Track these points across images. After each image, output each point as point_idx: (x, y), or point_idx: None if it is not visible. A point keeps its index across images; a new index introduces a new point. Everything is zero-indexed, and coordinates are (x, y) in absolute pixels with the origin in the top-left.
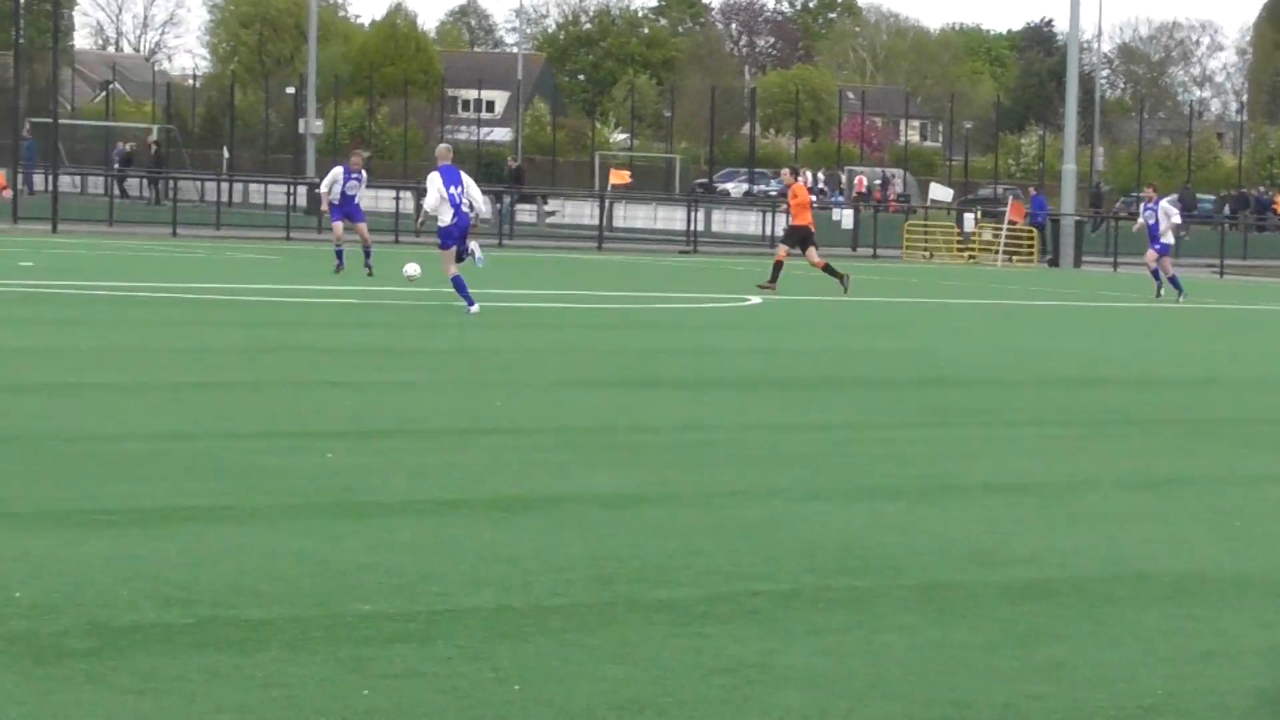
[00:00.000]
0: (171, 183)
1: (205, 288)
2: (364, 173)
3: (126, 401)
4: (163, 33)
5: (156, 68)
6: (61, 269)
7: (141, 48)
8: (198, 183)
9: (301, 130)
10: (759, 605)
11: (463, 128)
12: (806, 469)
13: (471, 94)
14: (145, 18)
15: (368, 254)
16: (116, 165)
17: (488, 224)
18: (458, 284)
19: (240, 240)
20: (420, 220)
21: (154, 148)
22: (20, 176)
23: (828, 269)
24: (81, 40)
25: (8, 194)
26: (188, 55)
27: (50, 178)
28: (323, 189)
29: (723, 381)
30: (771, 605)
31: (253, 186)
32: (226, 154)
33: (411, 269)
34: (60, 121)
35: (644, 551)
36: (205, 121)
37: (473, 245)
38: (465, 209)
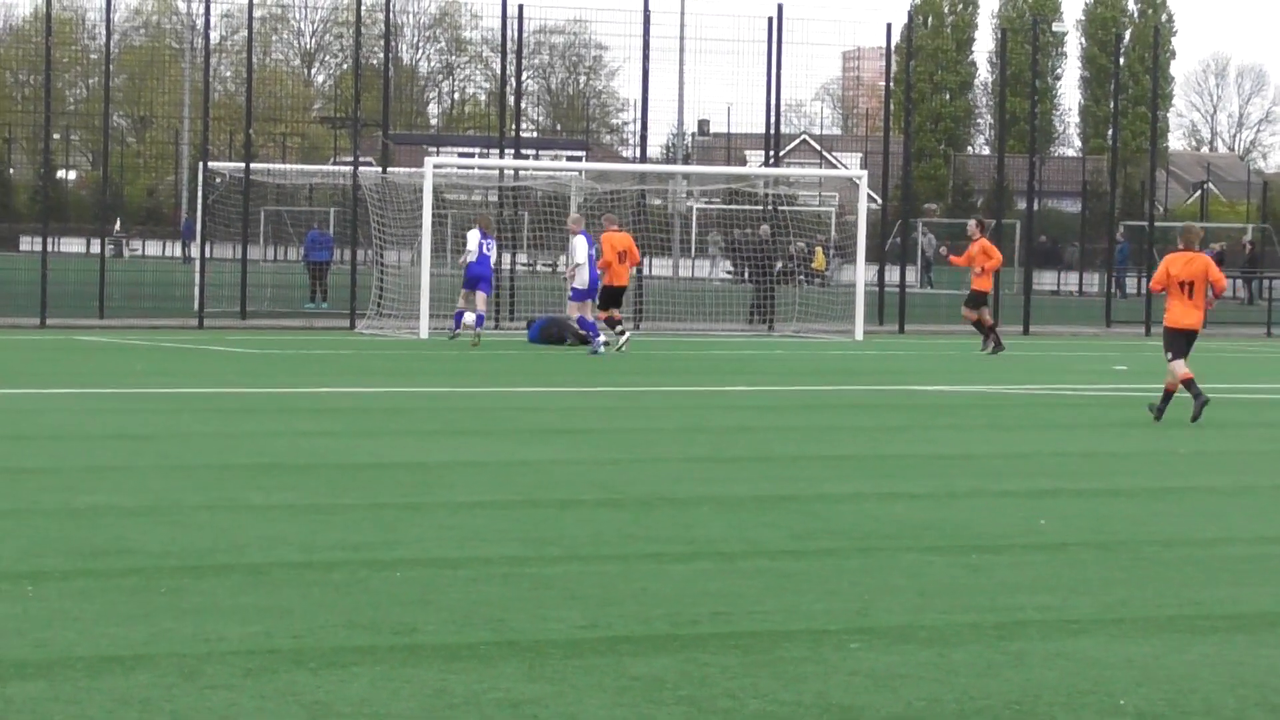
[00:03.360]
0: (1266, 282)
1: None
2: None
3: (1227, 505)
4: (1258, 130)
5: (1251, 166)
6: (1156, 372)
7: (1236, 146)
8: None
9: None
10: None
11: None
12: None
13: None
14: (1240, 116)
15: None
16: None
17: None
18: None
19: None
20: None
21: (1248, 247)
22: (1113, 280)
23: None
24: (1175, 141)
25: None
26: None
27: (1141, 280)
28: None
29: None
30: None
31: None
32: None
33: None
34: (1156, 224)
35: None
36: None
37: None
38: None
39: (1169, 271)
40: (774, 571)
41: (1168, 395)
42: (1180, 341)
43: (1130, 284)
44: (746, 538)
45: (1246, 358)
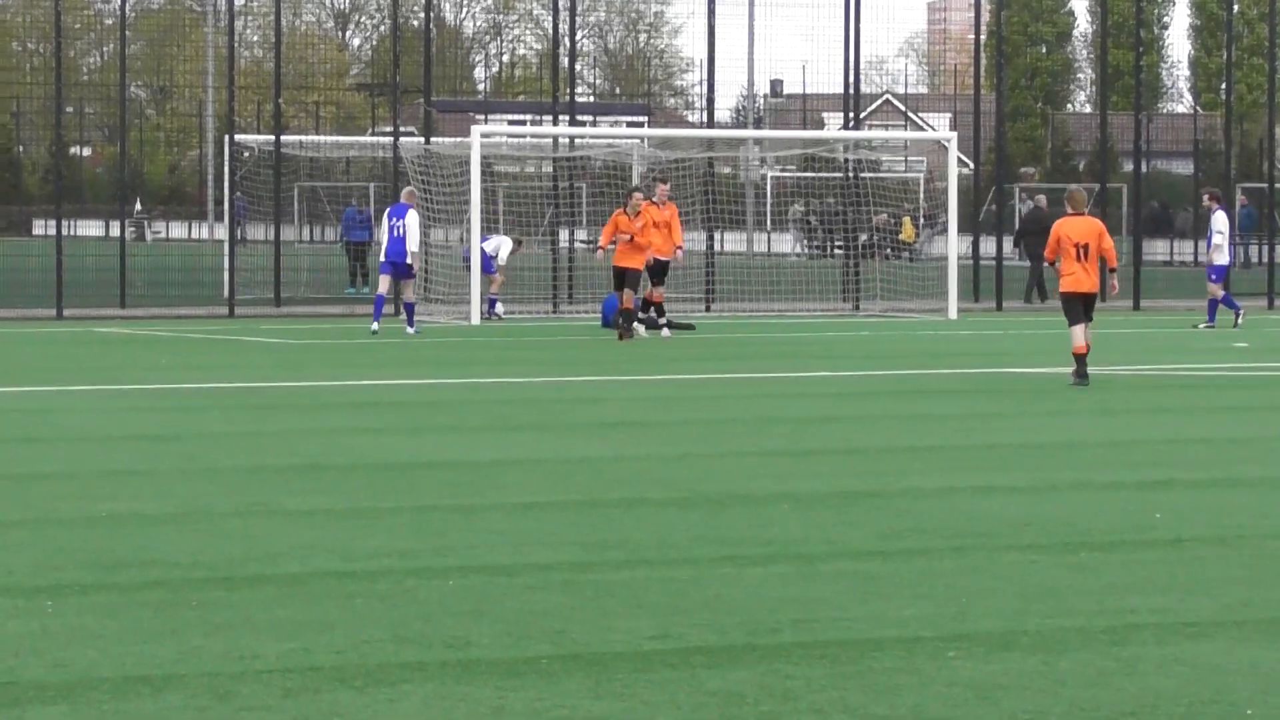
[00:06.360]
0: None
1: None
2: None
3: None
4: None
5: None
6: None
7: None
8: None
9: None
10: None
11: None
12: None
13: None
14: None
15: None
16: None
17: None
18: None
19: None
20: None
21: None
22: (1233, 248)
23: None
24: None
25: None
26: None
27: (1264, 248)
28: None
29: None
30: None
31: None
32: None
33: None
34: (1277, 185)
35: None
36: None
37: None
38: None
39: (1059, 237)
40: (859, 574)
41: (1079, 358)
42: (1078, 306)
43: (1253, 252)
44: (828, 538)
45: None
